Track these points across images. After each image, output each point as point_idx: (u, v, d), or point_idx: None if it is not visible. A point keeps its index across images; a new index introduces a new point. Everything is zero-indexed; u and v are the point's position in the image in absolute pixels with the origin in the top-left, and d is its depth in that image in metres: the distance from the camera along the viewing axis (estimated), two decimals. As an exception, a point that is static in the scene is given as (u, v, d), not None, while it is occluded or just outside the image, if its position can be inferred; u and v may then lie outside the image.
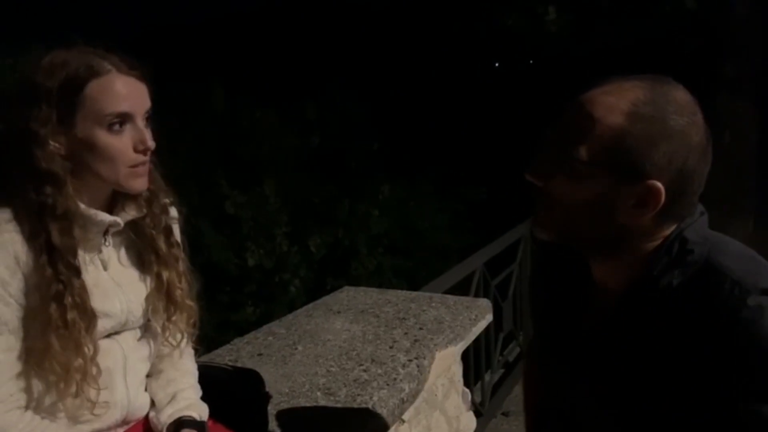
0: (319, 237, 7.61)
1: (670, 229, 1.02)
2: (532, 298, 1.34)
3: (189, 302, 1.39)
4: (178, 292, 1.35)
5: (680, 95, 0.98)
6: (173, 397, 1.39)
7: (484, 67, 14.00)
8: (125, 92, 1.20)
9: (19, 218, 1.15)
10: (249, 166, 7.95)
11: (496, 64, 14.20)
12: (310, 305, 2.65)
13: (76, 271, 1.18)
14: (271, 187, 7.51)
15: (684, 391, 0.96)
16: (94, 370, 1.20)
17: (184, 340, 1.41)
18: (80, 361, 1.17)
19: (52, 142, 1.16)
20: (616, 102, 0.97)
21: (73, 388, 1.18)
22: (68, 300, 1.15)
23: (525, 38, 7.43)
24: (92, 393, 1.20)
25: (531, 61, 13.25)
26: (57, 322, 1.15)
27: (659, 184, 0.96)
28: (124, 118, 1.19)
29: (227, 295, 7.06)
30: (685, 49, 7.00)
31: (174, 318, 1.36)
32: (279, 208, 7.51)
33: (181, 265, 1.38)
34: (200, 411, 1.40)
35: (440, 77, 13.31)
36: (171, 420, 1.36)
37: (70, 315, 1.15)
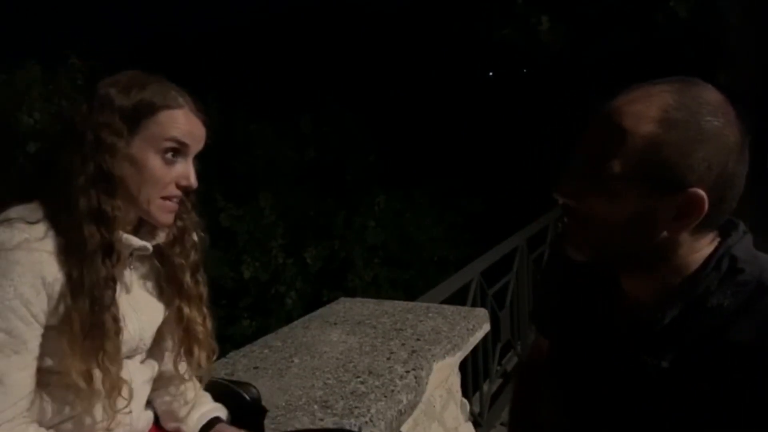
0: (315, 249, 7.62)
1: (707, 238, 0.96)
2: (543, 309, 1.28)
3: (211, 341, 1.40)
4: (199, 329, 1.36)
5: (711, 95, 0.93)
6: (193, 405, 1.42)
7: (479, 77, 14.06)
8: (190, 129, 1.24)
9: (53, 231, 1.15)
10: (244, 179, 7.96)
11: (491, 74, 14.26)
12: (306, 317, 2.64)
13: (113, 279, 1.19)
14: (266, 200, 7.52)
15: (727, 413, 0.90)
16: (121, 381, 1.20)
17: (201, 375, 1.43)
18: (112, 366, 1.18)
19: (121, 153, 1.18)
20: (645, 110, 0.91)
21: (96, 397, 1.19)
22: (104, 304, 1.16)
23: (519, 48, 7.46)
24: (120, 402, 1.21)
25: (525, 71, 13.30)
26: (92, 324, 1.15)
27: (701, 192, 0.89)
28: (179, 149, 1.23)
29: (223, 309, 7.04)
30: (678, 58, 7.04)
31: (193, 357, 1.37)
32: (275, 220, 7.52)
33: (204, 304, 1.39)
34: (223, 413, 1.44)
35: (435, 88, 13.35)
36: (202, 422, 1.40)
37: (106, 320, 1.16)
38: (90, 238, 1.15)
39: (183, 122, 1.23)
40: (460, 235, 8.95)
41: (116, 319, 1.18)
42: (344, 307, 2.73)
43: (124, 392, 1.21)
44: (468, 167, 10.65)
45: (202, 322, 1.37)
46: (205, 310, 1.38)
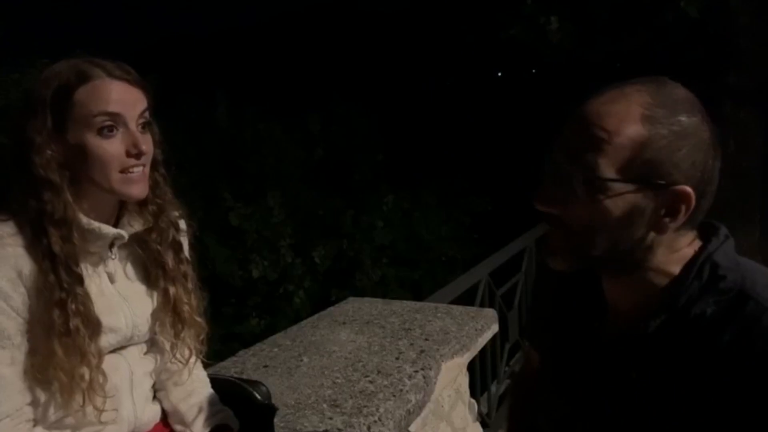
0: (323, 248, 7.63)
1: (686, 239, 0.95)
2: (533, 322, 1.27)
3: (198, 319, 1.37)
4: (186, 308, 1.34)
5: (683, 93, 0.93)
6: (201, 408, 1.40)
7: (487, 77, 14.03)
8: (114, 95, 1.18)
9: (22, 229, 1.15)
10: (253, 179, 7.98)
11: (499, 74, 14.23)
12: (315, 316, 2.64)
13: (79, 279, 1.17)
14: (275, 199, 7.53)
15: (714, 421, 0.89)
16: (100, 379, 1.19)
17: (193, 357, 1.40)
18: (85, 369, 1.16)
19: (48, 150, 1.16)
20: (626, 109, 0.90)
21: (79, 398, 1.17)
22: (71, 307, 1.14)
23: (528, 48, 7.45)
24: (98, 402, 1.19)
25: (534, 71, 13.26)
26: (60, 329, 1.14)
27: (688, 188, 0.89)
28: (113, 121, 1.18)
29: (232, 307, 7.06)
30: (688, 58, 7.00)
31: (182, 335, 1.35)
32: (283, 219, 7.53)
33: (190, 282, 1.37)
34: (231, 420, 1.42)
35: (443, 88, 13.34)
36: (206, 430, 1.38)
37: (73, 322, 1.14)
38: (36, 243, 1.14)
39: (105, 93, 1.17)
40: (468, 234, 8.95)
41: (85, 315, 1.17)
42: (353, 306, 2.73)
43: (106, 387, 1.20)
44: (476, 167, 10.63)
45: (188, 300, 1.35)
46: (190, 287, 1.36)
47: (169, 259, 1.33)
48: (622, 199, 0.90)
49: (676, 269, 0.95)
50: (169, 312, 1.33)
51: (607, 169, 0.90)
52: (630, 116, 0.90)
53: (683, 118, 0.90)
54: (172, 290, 1.33)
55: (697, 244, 0.96)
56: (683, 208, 0.90)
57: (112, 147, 1.18)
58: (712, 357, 0.89)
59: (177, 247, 1.35)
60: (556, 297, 1.14)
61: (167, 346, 1.37)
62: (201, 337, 1.40)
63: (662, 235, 0.93)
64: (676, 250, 0.95)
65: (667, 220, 0.91)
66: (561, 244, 0.97)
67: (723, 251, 0.94)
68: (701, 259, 0.93)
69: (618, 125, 0.90)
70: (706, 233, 0.97)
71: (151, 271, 1.33)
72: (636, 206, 0.90)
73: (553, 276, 1.13)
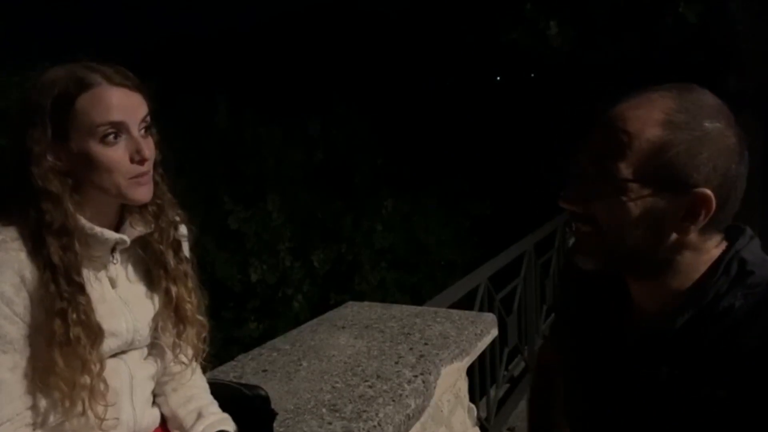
0: (322, 252, 7.61)
1: (714, 241, 0.98)
2: (558, 325, 1.29)
3: (199, 317, 1.38)
4: (188, 307, 1.34)
5: (710, 99, 0.96)
6: (200, 414, 1.40)
7: (487, 80, 14.03)
8: (116, 102, 1.18)
9: (23, 236, 1.15)
10: (253, 182, 7.96)
11: (498, 78, 14.24)
12: (315, 321, 2.64)
13: (80, 288, 1.17)
14: (274, 203, 7.52)
15: (742, 416, 0.90)
16: (101, 387, 1.19)
17: (195, 358, 1.40)
18: (86, 378, 1.16)
19: (49, 159, 1.16)
20: (649, 113, 0.93)
21: (80, 406, 1.17)
22: (72, 316, 1.14)
23: (527, 52, 7.45)
24: (100, 410, 1.19)
25: (532, 75, 13.27)
26: (61, 339, 1.14)
27: (708, 192, 0.92)
28: (116, 129, 1.18)
29: (231, 311, 7.05)
30: (687, 62, 7.01)
31: (184, 335, 1.35)
32: (282, 223, 7.52)
33: (191, 281, 1.37)
34: (230, 425, 1.41)
35: (443, 91, 13.34)
36: None
37: (74, 331, 1.14)
38: (37, 252, 1.14)
39: (106, 101, 1.17)
40: (467, 238, 8.94)
41: (86, 324, 1.16)
42: (352, 311, 2.73)
43: (107, 395, 1.20)
44: (476, 170, 10.63)
45: (189, 299, 1.35)
46: (191, 285, 1.37)
47: (171, 259, 1.33)
48: (641, 200, 0.93)
49: (703, 269, 0.97)
50: (171, 313, 1.34)
51: (627, 171, 0.93)
52: (651, 120, 0.93)
53: (706, 124, 0.92)
54: (174, 289, 1.33)
55: (724, 245, 0.99)
56: (703, 211, 0.93)
57: (117, 154, 1.18)
58: (741, 351, 0.90)
59: (177, 246, 1.35)
60: (581, 300, 1.16)
61: (169, 348, 1.37)
62: (203, 336, 1.40)
63: (685, 237, 0.95)
64: (704, 252, 0.97)
65: (689, 222, 0.94)
66: (589, 243, 1.00)
67: (750, 249, 0.97)
68: (729, 256, 0.96)
69: (639, 129, 0.93)
70: (732, 234, 1.00)
71: (153, 272, 1.33)
72: (654, 208, 0.93)
73: (577, 279, 1.16)
